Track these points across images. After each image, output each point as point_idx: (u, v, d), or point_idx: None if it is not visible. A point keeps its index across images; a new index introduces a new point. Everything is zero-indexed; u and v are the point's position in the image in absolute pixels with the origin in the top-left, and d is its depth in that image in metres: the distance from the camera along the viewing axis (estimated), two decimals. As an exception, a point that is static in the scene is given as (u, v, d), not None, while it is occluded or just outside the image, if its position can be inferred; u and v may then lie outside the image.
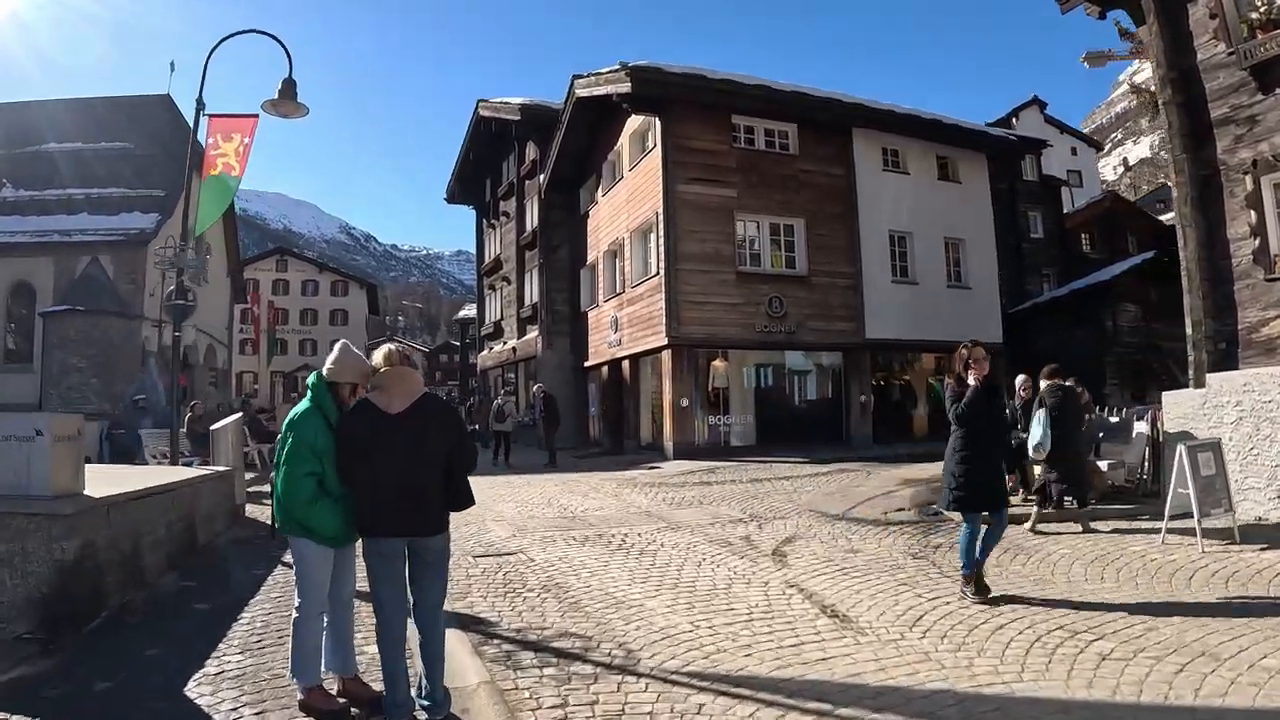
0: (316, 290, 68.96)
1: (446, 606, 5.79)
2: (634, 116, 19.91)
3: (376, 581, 3.73)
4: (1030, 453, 8.32)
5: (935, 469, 12.90)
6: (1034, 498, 8.54)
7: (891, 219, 20.07)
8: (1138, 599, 5.52)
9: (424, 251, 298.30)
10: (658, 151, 18.52)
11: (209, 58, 11.65)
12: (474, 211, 36.00)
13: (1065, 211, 34.25)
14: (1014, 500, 9.45)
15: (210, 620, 5.47)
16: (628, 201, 20.65)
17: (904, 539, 7.91)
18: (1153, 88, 19.65)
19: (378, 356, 3.84)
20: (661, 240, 18.20)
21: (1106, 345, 24.10)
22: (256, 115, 11.78)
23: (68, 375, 23.81)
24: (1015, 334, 23.16)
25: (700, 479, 13.74)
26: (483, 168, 32.80)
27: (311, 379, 3.99)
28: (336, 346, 4.08)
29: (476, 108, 29.81)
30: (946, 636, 4.84)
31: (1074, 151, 46.18)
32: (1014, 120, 39.68)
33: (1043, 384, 8.61)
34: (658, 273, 18.48)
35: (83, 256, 25.19)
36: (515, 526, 9.17)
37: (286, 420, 3.89)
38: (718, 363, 18.87)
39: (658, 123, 18.64)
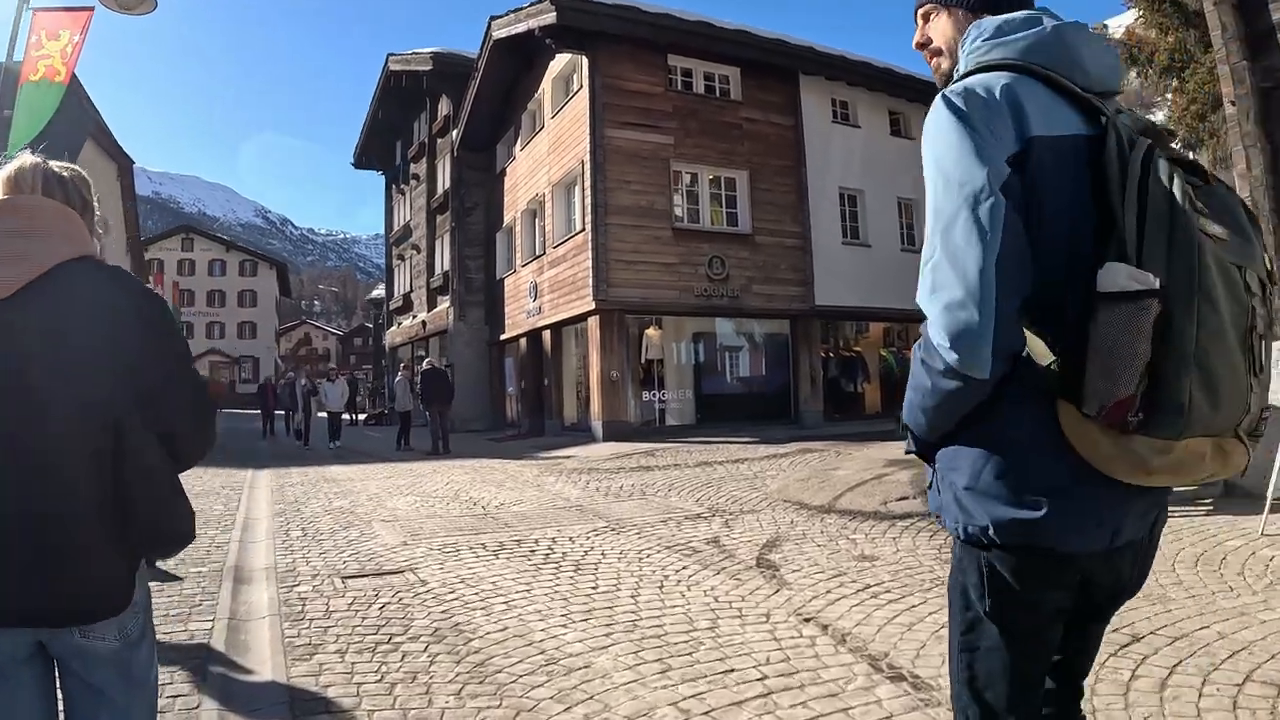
0: (224, 270, 66.71)
1: (275, 675, 3.59)
2: (558, 58, 17.61)
3: None
4: None
5: (915, 447, 11.24)
6: None
7: (842, 175, 18.31)
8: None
9: (341, 235, 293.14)
10: (585, 93, 16.28)
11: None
12: (384, 178, 33.15)
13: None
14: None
15: None
16: (550, 152, 18.33)
17: (925, 538, 5.98)
18: (1140, 29, 18.32)
19: None
20: (588, 192, 15.97)
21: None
22: (91, 8, 9.42)
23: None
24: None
25: (638, 463, 11.71)
26: (393, 130, 30.09)
27: None
28: None
29: (386, 62, 27.01)
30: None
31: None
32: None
33: None
34: (583, 229, 16.26)
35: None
36: (408, 530, 6.92)
37: None
38: (651, 331, 16.79)
39: (585, 62, 16.37)
